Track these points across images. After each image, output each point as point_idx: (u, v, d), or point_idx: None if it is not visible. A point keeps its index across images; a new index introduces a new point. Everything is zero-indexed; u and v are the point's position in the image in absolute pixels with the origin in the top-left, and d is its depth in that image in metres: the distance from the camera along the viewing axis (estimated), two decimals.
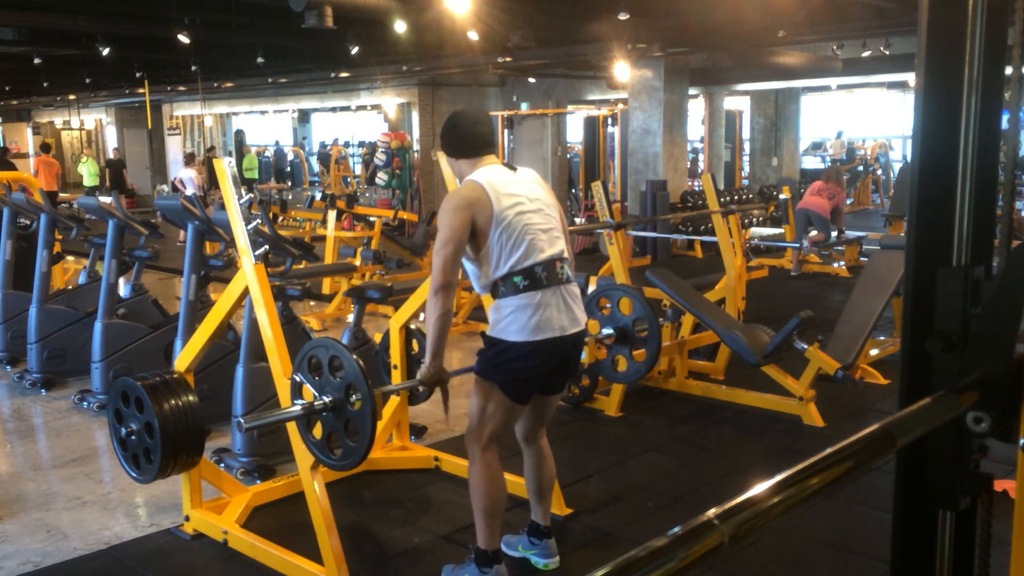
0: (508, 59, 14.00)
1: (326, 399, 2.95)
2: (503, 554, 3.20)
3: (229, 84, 19.36)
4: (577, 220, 13.39)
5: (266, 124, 27.85)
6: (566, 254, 3.13)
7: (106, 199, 7.04)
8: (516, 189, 3.04)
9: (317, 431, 3.06)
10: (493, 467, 3.09)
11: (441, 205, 3.05)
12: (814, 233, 9.86)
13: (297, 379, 3.05)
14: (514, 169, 3.14)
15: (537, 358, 2.99)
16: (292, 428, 3.23)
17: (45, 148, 18.75)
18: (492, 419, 3.06)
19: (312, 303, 8.46)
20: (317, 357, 3.01)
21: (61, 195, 17.57)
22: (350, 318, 5.33)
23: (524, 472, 3.37)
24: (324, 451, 3.06)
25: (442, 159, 3.95)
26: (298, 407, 2.99)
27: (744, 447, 4.78)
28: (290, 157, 25.08)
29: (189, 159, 15.30)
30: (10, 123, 28.00)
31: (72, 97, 23.56)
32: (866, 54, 12.12)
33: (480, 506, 3.08)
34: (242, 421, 2.95)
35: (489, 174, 3.05)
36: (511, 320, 2.98)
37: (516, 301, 2.98)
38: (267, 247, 3.79)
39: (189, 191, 13.23)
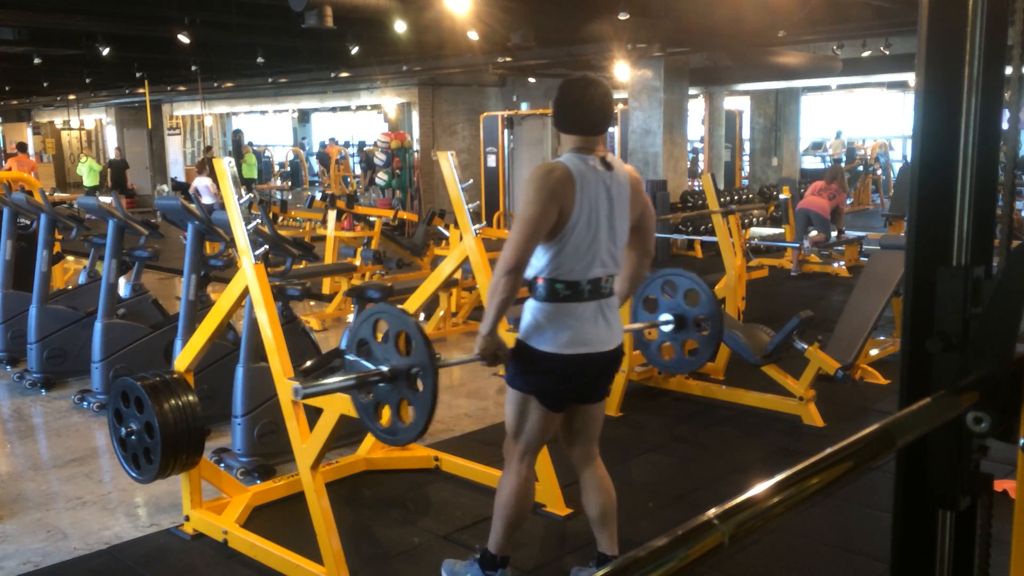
0: (508, 59, 14.00)
1: (383, 368, 2.70)
2: (508, 560, 3.18)
3: (229, 84, 19.37)
4: None
5: (266, 124, 27.85)
6: (617, 270, 2.95)
7: (106, 199, 7.04)
8: (601, 196, 2.82)
9: (384, 416, 2.85)
10: (527, 481, 3.03)
11: (533, 173, 2.81)
12: (814, 233, 9.86)
13: (351, 358, 2.84)
14: (611, 168, 2.87)
15: (570, 370, 2.86)
16: (292, 428, 3.22)
17: (21, 147, 18.75)
18: (528, 429, 2.97)
19: (312, 303, 8.46)
20: (365, 334, 2.80)
21: (59, 195, 17.60)
22: (350, 318, 5.33)
23: (582, 498, 3.17)
24: (376, 423, 2.86)
25: (443, 159, 3.93)
26: (352, 377, 2.77)
27: (744, 447, 4.78)
28: (290, 157, 25.04)
29: (202, 166, 13.65)
30: (10, 123, 28.03)
31: (72, 97, 23.59)
32: (866, 54, 12.14)
33: (504, 515, 3.02)
34: (299, 387, 2.72)
35: (585, 169, 2.81)
36: (544, 328, 2.83)
37: (551, 308, 2.83)
38: (267, 247, 3.79)
39: (206, 200, 12.11)
